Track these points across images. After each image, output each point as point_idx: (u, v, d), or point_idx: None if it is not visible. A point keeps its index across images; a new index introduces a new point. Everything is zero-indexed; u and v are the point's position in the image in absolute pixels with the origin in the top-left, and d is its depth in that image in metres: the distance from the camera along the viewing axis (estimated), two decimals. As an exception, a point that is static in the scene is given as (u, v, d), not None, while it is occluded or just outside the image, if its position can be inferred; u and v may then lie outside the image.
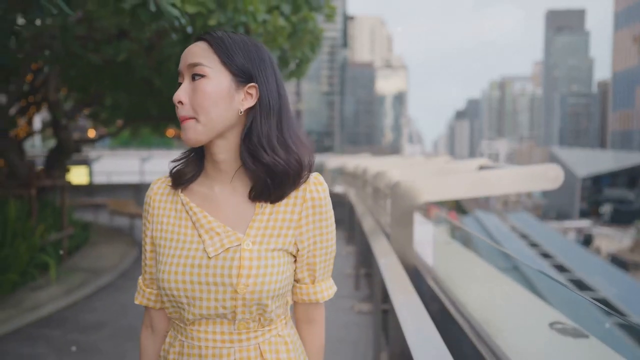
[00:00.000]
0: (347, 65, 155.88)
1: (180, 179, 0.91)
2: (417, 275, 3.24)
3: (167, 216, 0.93)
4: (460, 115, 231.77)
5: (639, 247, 52.63)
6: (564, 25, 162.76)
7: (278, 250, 0.90)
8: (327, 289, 1.00)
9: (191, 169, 0.91)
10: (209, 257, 0.86)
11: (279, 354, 0.92)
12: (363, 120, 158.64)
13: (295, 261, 0.96)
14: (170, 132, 10.90)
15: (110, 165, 17.12)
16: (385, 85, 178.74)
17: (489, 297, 3.06)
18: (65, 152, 6.79)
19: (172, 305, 0.89)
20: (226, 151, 0.89)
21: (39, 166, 7.09)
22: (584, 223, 75.82)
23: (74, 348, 3.56)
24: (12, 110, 5.85)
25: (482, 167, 3.81)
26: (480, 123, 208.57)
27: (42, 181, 5.73)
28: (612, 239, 62.13)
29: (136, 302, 1.00)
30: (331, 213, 0.96)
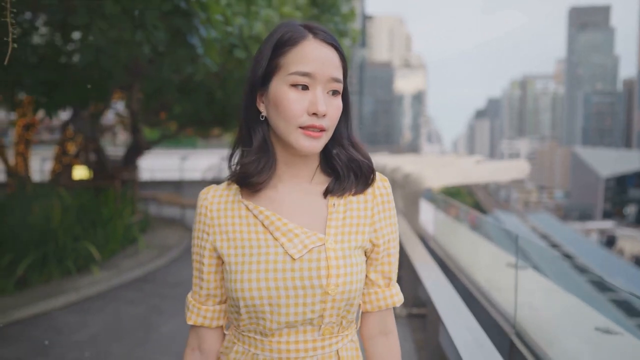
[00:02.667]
0: (366, 64, 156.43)
1: (255, 185, 0.87)
2: (422, 239, 4.52)
3: (232, 224, 0.89)
4: (480, 114, 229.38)
5: (665, 248, 51.80)
6: (588, 22, 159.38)
7: (357, 247, 0.88)
8: (399, 293, 0.96)
9: (265, 173, 0.87)
10: (294, 260, 0.83)
11: (354, 359, 0.91)
12: (382, 120, 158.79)
13: (366, 262, 0.93)
14: (173, 127, 11.97)
15: (147, 163, 18.57)
16: (404, 84, 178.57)
17: (468, 250, 4.25)
18: (139, 151, 8.10)
19: (250, 317, 0.85)
20: (314, 153, 0.88)
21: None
22: (608, 224, 74.77)
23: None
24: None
25: (477, 162, 4.95)
26: (500, 122, 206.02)
27: (123, 174, 7.02)
28: (636, 240, 61.19)
29: (190, 322, 0.93)
30: (395, 211, 0.96)
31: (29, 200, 5.48)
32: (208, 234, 0.90)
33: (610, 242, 63.57)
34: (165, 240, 7.35)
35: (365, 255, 0.92)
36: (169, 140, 10.46)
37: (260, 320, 0.84)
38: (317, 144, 0.83)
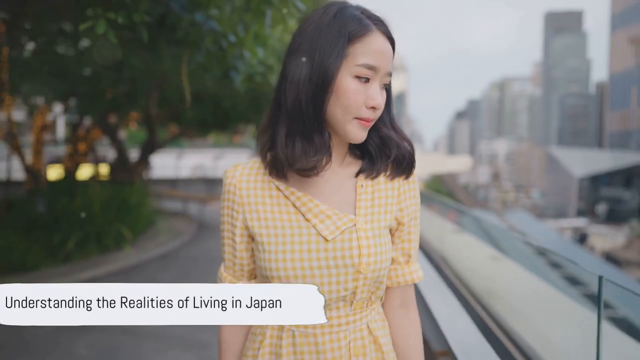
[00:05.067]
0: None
1: (308, 175, 0.86)
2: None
3: (262, 204, 0.90)
4: (460, 115, 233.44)
5: (632, 245, 54.43)
6: (563, 27, 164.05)
7: (385, 227, 0.91)
8: (418, 270, 0.99)
9: (324, 166, 0.87)
10: (327, 241, 0.86)
11: (384, 330, 0.95)
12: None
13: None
14: (175, 131, 13.01)
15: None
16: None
17: (439, 232, 5.46)
18: (153, 149, 9.20)
19: None
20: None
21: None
22: (580, 222, 77.60)
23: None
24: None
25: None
26: (479, 123, 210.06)
27: (141, 170, 8.13)
28: (606, 238, 63.66)
29: None
30: (419, 191, 0.98)
31: (71, 191, 6.57)
32: (238, 212, 0.92)
33: (582, 239, 66.18)
34: (175, 227, 8.50)
35: (390, 232, 0.94)
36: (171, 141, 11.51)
37: None
38: (365, 134, 0.87)
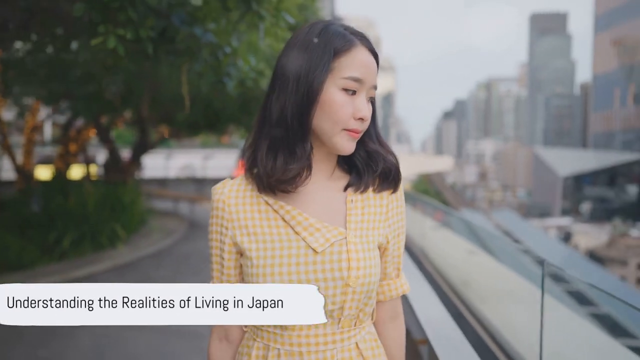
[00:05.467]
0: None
1: (289, 190, 0.87)
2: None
3: (251, 219, 0.91)
4: (447, 115, 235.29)
5: (615, 243, 55.49)
6: (548, 28, 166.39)
7: (374, 242, 0.92)
8: (406, 281, 1.02)
9: (304, 179, 0.88)
10: (316, 253, 0.86)
11: (374, 350, 0.93)
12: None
13: (380, 257, 0.95)
14: (164, 132, 13.26)
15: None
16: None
17: (420, 229, 5.75)
18: (145, 150, 9.35)
19: None
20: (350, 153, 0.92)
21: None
22: (565, 220, 78.91)
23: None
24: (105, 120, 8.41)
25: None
26: (467, 123, 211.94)
27: (133, 170, 8.29)
28: (590, 236, 64.79)
29: None
30: (405, 206, 1.00)
31: (65, 191, 6.71)
32: (227, 228, 0.92)
33: (567, 237, 67.31)
34: (167, 226, 8.67)
35: (379, 249, 0.95)
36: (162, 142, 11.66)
37: None
38: (354, 145, 0.89)
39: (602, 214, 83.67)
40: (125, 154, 11.44)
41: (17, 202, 6.99)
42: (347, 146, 0.88)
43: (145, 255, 6.57)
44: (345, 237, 0.88)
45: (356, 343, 0.90)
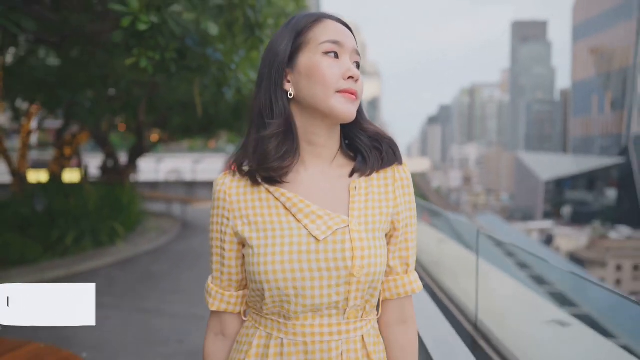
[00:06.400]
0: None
1: (277, 170, 0.86)
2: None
3: (252, 207, 0.89)
4: (432, 120, 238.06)
5: (594, 245, 56.97)
6: (529, 35, 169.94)
7: (379, 230, 0.89)
8: (418, 280, 0.95)
9: (290, 157, 0.87)
10: (318, 241, 0.83)
11: (377, 346, 0.90)
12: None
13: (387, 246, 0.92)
14: (155, 137, 13.66)
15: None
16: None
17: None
18: (141, 153, 9.74)
19: (274, 301, 0.84)
20: (336, 134, 0.92)
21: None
22: (547, 224, 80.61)
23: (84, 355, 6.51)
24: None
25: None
26: (451, 128, 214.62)
27: (129, 172, 8.68)
28: (571, 238, 66.33)
29: (213, 308, 0.94)
30: (414, 197, 0.96)
31: (66, 191, 7.09)
32: (228, 219, 0.90)
33: (548, 240, 68.81)
34: (161, 226, 9.06)
35: (386, 237, 0.92)
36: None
37: (285, 304, 0.83)
38: (353, 109, 0.86)
39: (582, 217, 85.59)
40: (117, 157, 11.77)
41: (17, 203, 7.32)
42: (346, 109, 0.85)
43: (143, 251, 6.97)
44: (348, 225, 0.85)
45: (362, 336, 0.87)
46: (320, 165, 0.91)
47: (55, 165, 10.73)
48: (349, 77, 0.85)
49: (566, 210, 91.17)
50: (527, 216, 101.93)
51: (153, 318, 4.31)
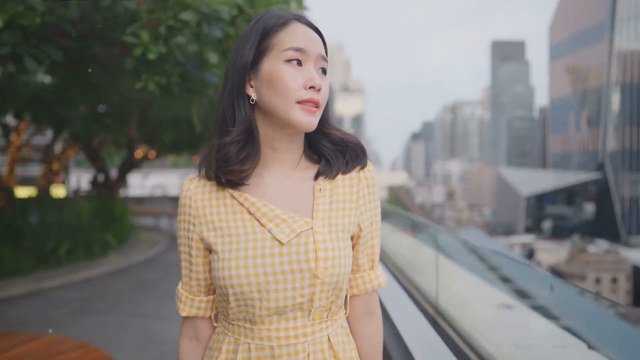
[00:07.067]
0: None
1: (237, 173, 0.86)
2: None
3: (217, 213, 0.89)
4: (416, 136, 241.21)
5: (574, 259, 58.10)
6: (508, 55, 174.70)
7: (344, 231, 0.89)
8: (382, 274, 0.98)
9: (250, 160, 0.87)
10: (282, 244, 0.84)
11: (345, 345, 0.92)
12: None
13: (353, 247, 0.93)
14: (139, 152, 13.98)
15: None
16: (344, 107, 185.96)
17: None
18: (131, 168, 10.00)
19: (239, 305, 0.85)
20: (299, 140, 0.92)
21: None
22: (528, 238, 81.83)
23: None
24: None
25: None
26: (434, 144, 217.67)
27: (119, 186, 8.94)
28: (551, 252, 67.44)
29: (183, 314, 0.95)
30: (378, 195, 0.98)
31: (61, 205, 7.34)
32: (194, 224, 0.90)
33: (530, 254, 69.92)
34: (151, 238, 9.29)
35: (352, 240, 0.93)
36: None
37: (250, 308, 0.84)
38: (314, 120, 0.85)
39: (562, 231, 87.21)
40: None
41: (8, 216, 7.50)
42: (305, 120, 0.84)
43: (136, 262, 7.20)
44: (312, 227, 0.86)
45: (328, 336, 0.88)
46: (284, 169, 0.92)
47: (43, 180, 10.94)
48: (310, 87, 0.85)
49: (547, 224, 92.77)
50: (509, 231, 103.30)
51: (149, 321, 4.58)
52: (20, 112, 7.38)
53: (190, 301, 0.95)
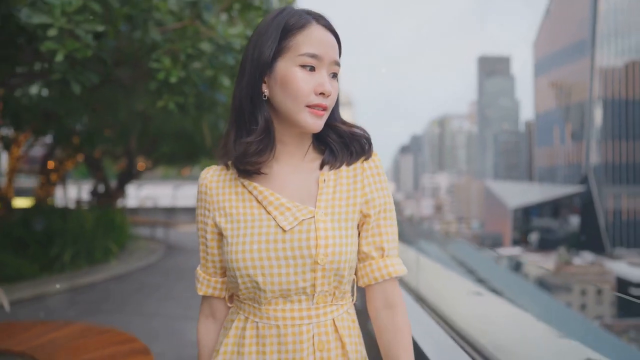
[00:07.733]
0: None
1: (254, 164, 0.91)
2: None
3: (228, 200, 0.95)
4: (404, 150, 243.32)
5: (560, 271, 58.85)
6: (494, 70, 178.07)
7: (346, 220, 0.92)
8: (397, 263, 0.95)
9: (267, 153, 0.92)
10: (284, 231, 0.88)
11: (350, 330, 0.94)
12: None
13: (359, 235, 0.95)
14: (142, 165, 14.35)
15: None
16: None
17: None
18: (130, 179, 10.33)
19: (247, 287, 0.90)
20: (307, 135, 0.97)
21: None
22: (515, 250, 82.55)
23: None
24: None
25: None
26: (423, 157, 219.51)
27: (118, 197, 9.26)
28: (538, 264, 68.27)
29: (200, 293, 1.02)
30: (388, 184, 0.99)
31: (63, 214, 7.66)
32: (209, 210, 0.97)
33: (517, 266, 70.53)
34: (149, 246, 9.61)
35: (358, 228, 0.95)
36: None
37: (256, 290, 0.89)
38: (321, 122, 0.90)
39: (548, 243, 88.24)
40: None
41: (9, 225, 7.77)
42: (312, 123, 0.89)
43: (136, 268, 7.51)
44: (314, 216, 0.89)
45: (333, 320, 0.91)
46: (292, 161, 0.96)
47: (41, 190, 11.21)
48: (320, 93, 0.88)
49: (533, 237, 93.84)
50: (496, 243, 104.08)
51: (153, 320, 4.92)
52: (21, 124, 7.72)
53: (207, 282, 1.01)
